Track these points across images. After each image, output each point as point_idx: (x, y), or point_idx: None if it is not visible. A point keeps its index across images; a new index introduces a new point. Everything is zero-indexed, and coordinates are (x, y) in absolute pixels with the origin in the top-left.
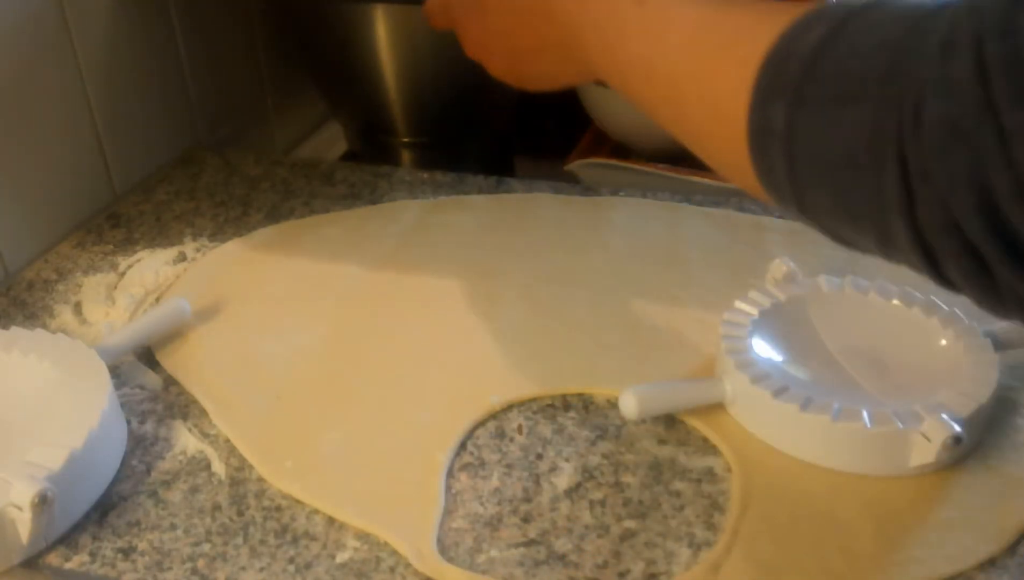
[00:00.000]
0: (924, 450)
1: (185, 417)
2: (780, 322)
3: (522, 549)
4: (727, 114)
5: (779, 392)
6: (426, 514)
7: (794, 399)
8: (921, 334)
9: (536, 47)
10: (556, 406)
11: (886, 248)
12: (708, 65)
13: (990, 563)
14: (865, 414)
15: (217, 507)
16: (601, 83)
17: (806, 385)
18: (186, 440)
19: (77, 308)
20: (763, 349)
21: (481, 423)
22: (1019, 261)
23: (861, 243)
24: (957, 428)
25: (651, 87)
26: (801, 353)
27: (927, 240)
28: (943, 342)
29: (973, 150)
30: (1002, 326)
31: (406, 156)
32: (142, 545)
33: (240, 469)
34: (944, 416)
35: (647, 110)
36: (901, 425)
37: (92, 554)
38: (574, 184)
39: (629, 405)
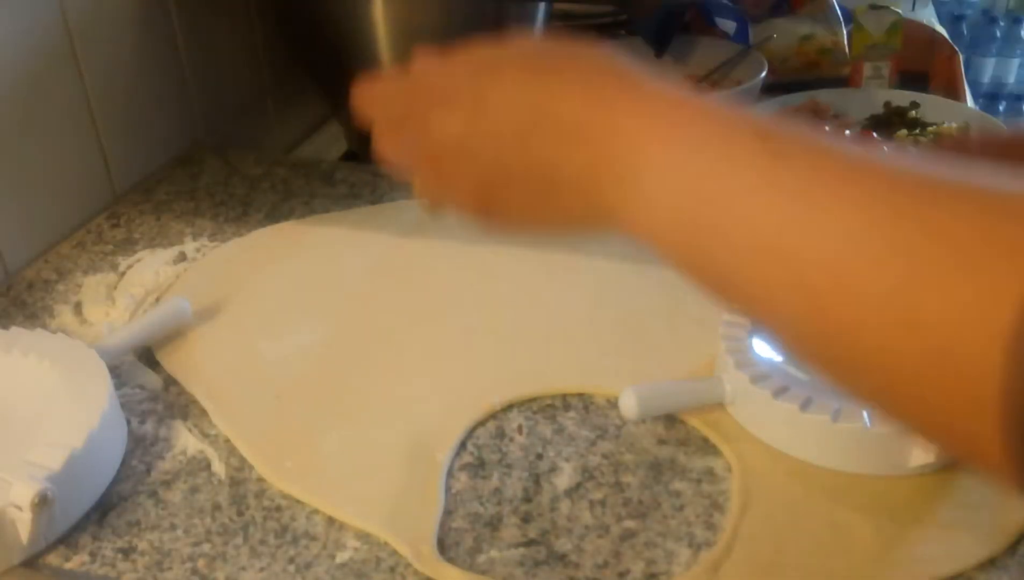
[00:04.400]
0: (924, 449)
1: (185, 417)
2: None
3: (522, 549)
4: (959, 361)
5: (779, 392)
6: (426, 514)
7: (794, 399)
8: None
9: (523, 171)
10: (556, 406)
11: None
12: (924, 279)
13: (990, 563)
14: (865, 414)
15: (217, 507)
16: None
17: (806, 385)
18: (186, 440)
19: (77, 308)
20: (763, 349)
21: (481, 423)
22: None
23: None
24: None
25: (772, 268)
26: None
27: None
28: None
29: None
30: None
31: None
32: (142, 545)
33: (240, 469)
34: None
35: (737, 295)
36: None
37: (92, 554)
38: None
39: (629, 404)
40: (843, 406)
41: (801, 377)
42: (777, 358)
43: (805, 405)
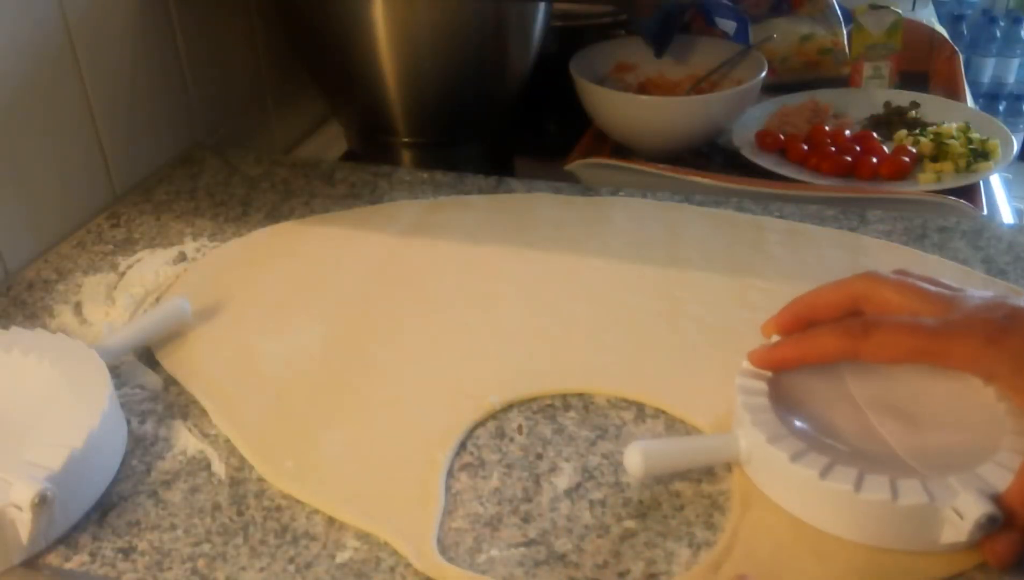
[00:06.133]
0: (956, 528)
1: (185, 417)
2: (803, 372)
3: (522, 549)
4: None
5: (797, 455)
6: (426, 514)
7: (813, 465)
8: (960, 389)
9: None
10: (556, 406)
11: None
12: None
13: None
14: (891, 485)
15: (217, 507)
16: None
17: (827, 446)
18: (186, 440)
19: (77, 308)
20: (783, 402)
21: (481, 423)
22: None
23: None
24: (993, 507)
25: None
26: (825, 407)
27: None
28: (984, 399)
29: None
30: None
31: (406, 156)
32: (142, 545)
33: (240, 469)
34: (979, 492)
35: None
36: (931, 499)
37: (92, 554)
38: (574, 184)
39: (634, 462)
40: (867, 475)
41: (823, 436)
42: (798, 413)
43: (825, 472)
